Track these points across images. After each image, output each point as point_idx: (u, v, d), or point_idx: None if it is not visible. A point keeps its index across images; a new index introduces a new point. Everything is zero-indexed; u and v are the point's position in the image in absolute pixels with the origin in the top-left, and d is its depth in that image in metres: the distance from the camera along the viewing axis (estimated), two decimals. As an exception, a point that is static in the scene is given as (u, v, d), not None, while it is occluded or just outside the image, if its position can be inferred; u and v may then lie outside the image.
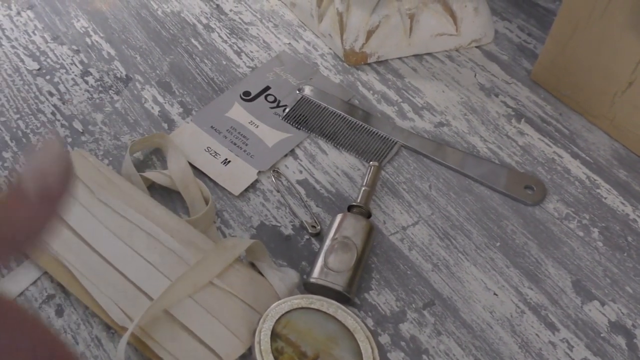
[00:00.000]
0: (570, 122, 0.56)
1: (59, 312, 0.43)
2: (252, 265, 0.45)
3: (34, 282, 0.45)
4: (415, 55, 0.61)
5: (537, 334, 0.43)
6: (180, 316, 0.41)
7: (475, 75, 0.59)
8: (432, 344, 0.43)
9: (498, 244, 0.48)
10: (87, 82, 0.57)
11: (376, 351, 0.37)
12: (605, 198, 0.51)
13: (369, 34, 0.57)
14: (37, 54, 0.59)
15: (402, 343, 0.43)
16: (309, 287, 0.44)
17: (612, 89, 0.53)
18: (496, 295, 0.45)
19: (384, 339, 0.43)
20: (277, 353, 0.37)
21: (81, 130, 0.53)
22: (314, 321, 0.39)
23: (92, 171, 0.48)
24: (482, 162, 0.52)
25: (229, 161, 0.51)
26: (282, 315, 0.39)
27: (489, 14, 0.61)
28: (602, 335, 0.44)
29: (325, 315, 0.39)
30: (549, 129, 0.55)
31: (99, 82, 0.57)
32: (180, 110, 0.55)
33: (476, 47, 0.62)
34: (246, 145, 0.52)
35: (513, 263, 0.47)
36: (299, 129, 0.54)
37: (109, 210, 0.46)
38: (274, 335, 0.38)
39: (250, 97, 0.56)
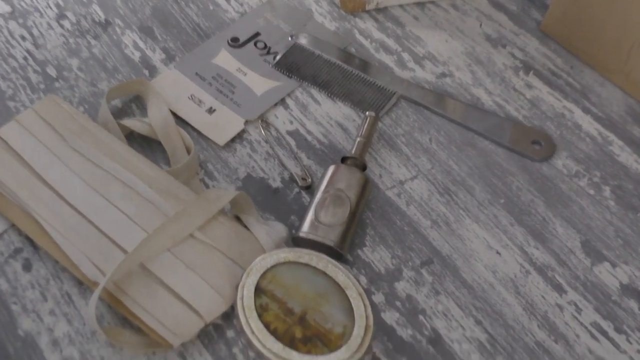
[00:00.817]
0: (582, 76, 0.52)
1: (27, 267, 0.40)
2: (238, 219, 0.42)
3: (0, 235, 0.41)
4: (417, 3, 0.57)
5: (542, 296, 0.40)
6: (157, 271, 0.38)
7: (481, 25, 0.55)
8: (429, 304, 0.40)
9: (502, 200, 0.44)
10: (62, 26, 0.53)
11: (369, 309, 0.34)
12: (618, 155, 0.47)
13: (368, -22, 0.53)
14: (11, -4, 0.55)
15: (397, 303, 0.39)
16: (298, 243, 0.41)
17: (629, 42, 0.49)
18: (499, 254, 0.42)
19: (378, 298, 0.40)
20: (261, 310, 0.34)
21: (55, 76, 0.49)
22: (302, 276, 0.35)
23: (65, 118, 0.45)
24: (487, 116, 0.49)
25: (214, 110, 0.47)
26: (268, 269, 0.36)
27: (496, -41, 0.57)
28: (612, 298, 0.40)
29: (315, 270, 0.36)
30: (560, 83, 0.52)
31: (75, 27, 0.53)
32: (163, 56, 0.51)
33: (482, -4, 0.58)
34: (233, 93, 0.48)
35: (518, 221, 0.44)
36: (291, 77, 0.50)
37: (82, 159, 0.42)
38: (259, 291, 0.35)
39: (239, 43, 0.52)
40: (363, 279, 0.40)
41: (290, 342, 0.33)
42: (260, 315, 0.34)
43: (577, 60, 0.53)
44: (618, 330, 0.39)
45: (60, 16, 0.54)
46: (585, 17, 0.51)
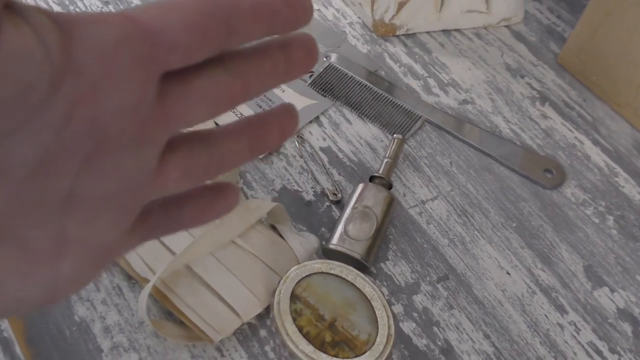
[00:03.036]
0: (593, 109, 0.56)
1: (82, 260, 0.44)
2: (273, 228, 0.46)
3: (58, 229, 0.45)
4: (444, 31, 0.61)
5: (546, 315, 0.44)
6: (201, 272, 0.42)
7: (502, 54, 0.59)
8: (443, 317, 0.44)
9: (514, 224, 0.49)
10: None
11: (392, 319, 0.38)
12: (623, 187, 0.51)
13: (400, 5, 0.57)
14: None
15: (415, 314, 0.44)
16: (327, 253, 0.45)
17: (639, 78, 0.53)
18: (509, 274, 0.46)
19: (397, 308, 0.44)
20: (295, 314, 0.38)
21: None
22: (333, 286, 0.40)
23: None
24: (504, 143, 0.53)
25: (254, 123, 0.51)
26: (302, 278, 0.40)
27: (521, -7, 0.61)
28: (609, 320, 0.45)
29: (344, 281, 0.40)
30: (572, 114, 0.56)
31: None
32: (207, 68, 0.55)
33: (505, 26, 0.62)
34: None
35: (528, 244, 0.48)
36: (325, 96, 0.54)
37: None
38: (293, 297, 0.39)
39: (278, 60, 0.56)
40: (385, 290, 0.44)
41: (321, 345, 0.37)
42: (294, 319, 0.38)
43: (590, 94, 0.57)
44: (612, 350, 0.43)
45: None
46: (600, 53, 0.55)
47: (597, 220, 0.49)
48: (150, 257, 0.43)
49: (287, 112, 0.24)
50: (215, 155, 0.22)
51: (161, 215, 0.23)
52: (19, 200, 0.17)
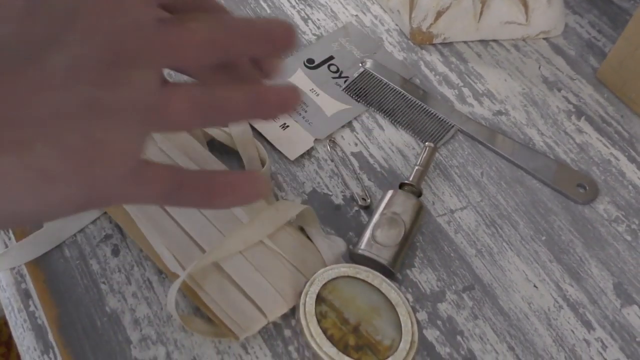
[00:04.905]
0: (631, 126, 0.55)
1: (115, 252, 0.45)
2: (302, 230, 0.47)
3: (94, 221, 0.47)
4: (481, 41, 0.60)
5: (572, 330, 0.44)
6: (229, 270, 0.43)
7: (540, 67, 0.59)
8: (468, 326, 0.44)
9: (544, 237, 0.48)
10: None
11: (416, 326, 0.39)
12: (658, 205, 0.51)
13: (439, 14, 0.57)
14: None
15: (439, 322, 0.44)
16: (354, 258, 0.45)
17: (679, 97, 0.52)
18: (536, 287, 0.46)
19: (422, 315, 0.44)
20: (320, 316, 0.39)
21: (148, 80, 0.55)
22: (358, 291, 0.40)
23: (157, 121, 0.50)
24: (537, 156, 0.52)
25: (288, 126, 0.52)
26: (329, 281, 0.40)
27: (562, 6, 0.60)
28: (637, 339, 0.44)
29: (370, 286, 0.40)
30: (609, 130, 0.55)
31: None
32: (245, 70, 0.56)
33: (544, 38, 0.61)
34: (305, 112, 0.53)
35: (556, 258, 0.47)
36: (359, 101, 0.54)
37: (169, 160, 0.48)
38: (319, 299, 0.40)
39: (314, 65, 0.56)
40: (409, 297, 0.45)
41: (344, 348, 0.38)
42: (319, 321, 0.39)
43: (628, 110, 0.56)
44: (639, 370, 0.43)
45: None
46: (640, 69, 0.54)
47: (629, 238, 0.49)
48: (180, 253, 0.44)
49: (291, 89, 0.27)
50: (216, 98, 0.25)
51: (193, 179, 0.27)
52: (58, 105, 0.22)
